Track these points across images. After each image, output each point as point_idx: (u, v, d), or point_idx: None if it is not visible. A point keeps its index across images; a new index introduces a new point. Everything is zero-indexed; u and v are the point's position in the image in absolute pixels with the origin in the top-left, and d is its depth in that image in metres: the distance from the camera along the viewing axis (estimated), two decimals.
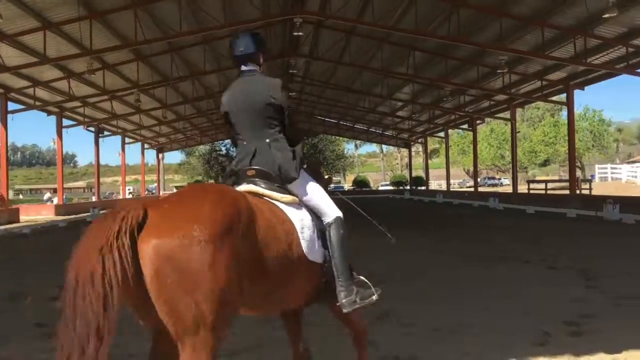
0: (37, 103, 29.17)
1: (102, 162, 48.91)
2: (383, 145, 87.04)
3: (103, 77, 26.60)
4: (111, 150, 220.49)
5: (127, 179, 54.66)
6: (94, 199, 43.22)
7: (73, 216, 28.29)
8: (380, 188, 68.43)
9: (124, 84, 29.08)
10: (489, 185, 69.10)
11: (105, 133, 40.41)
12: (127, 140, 46.31)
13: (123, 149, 45.67)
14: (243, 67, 3.52)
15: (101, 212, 28.58)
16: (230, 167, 3.46)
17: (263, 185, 3.21)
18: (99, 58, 24.54)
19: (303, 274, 3.08)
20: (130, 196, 56.64)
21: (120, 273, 2.28)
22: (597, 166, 57.13)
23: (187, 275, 2.34)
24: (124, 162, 47.15)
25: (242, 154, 3.36)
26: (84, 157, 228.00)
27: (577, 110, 42.55)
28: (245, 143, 3.38)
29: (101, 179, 45.67)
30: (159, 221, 2.43)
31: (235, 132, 3.49)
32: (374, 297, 3.40)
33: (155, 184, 60.86)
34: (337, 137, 65.66)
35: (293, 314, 3.62)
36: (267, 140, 3.32)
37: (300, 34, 22.05)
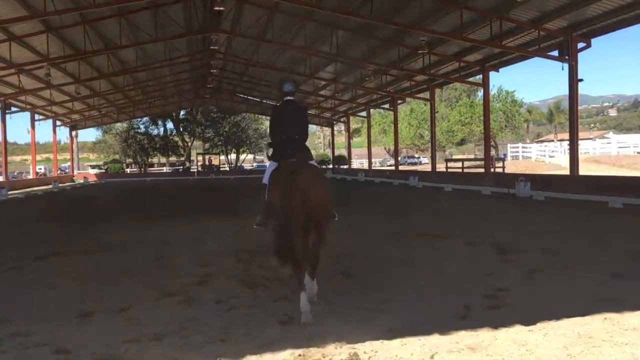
0: None
1: (10, 140, 46.10)
2: None
3: (9, 50, 24.78)
4: (20, 127, 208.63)
5: (38, 157, 51.94)
6: (1, 178, 40.71)
7: None
8: None
9: (32, 57, 27.26)
10: (409, 164, 70.89)
11: (13, 109, 37.87)
12: (37, 117, 43.75)
13: (33, 126, 43.10)
14: (287, 98, 6.07)
15: (7, 192, 26.97)
16: (283, 156, 5.80)
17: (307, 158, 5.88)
18: (4, 29, 22.91)
19: (326, 198, 5.57)
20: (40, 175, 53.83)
21: (300, 194, 5.11)
22: (509, 145, 59.80)
23: (327, 193, 5.52)
24: (33, 140, 44.56)
25: (290, 148, 5.79)
26: None
27: (492, 91, 44.21)
28: (284, 137, 5.92)
29: (9, 158, 43.06)
30: (311, 173, 5.47)
31: (281, 129, 5.98)
32: (335, 218, 6.01)
33: (69, 163, 58.05)
34: (260, 116, 65.03)
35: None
36: (297, 137, 5.93)
37: (221, 9, 21.49)
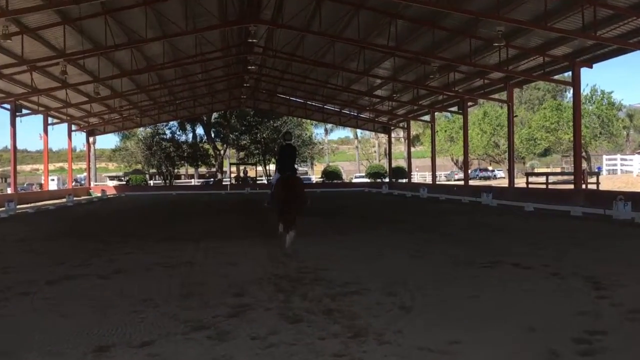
0: None
1: (20, 146, 47.86)
2: (358, 130, 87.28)
3: (22, 44, 25.81)
4: (31, 132, 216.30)
5: (51, 167, 53.80)
6: (9, 190, 42.23)
7: None
8: (355, 180, 68.73)
9: (47, 52, 28.37)
10: (480, 178, 70.15)
11: (24, 111, 39.42)
12: (50, 120, 45.39)
13: (46, 131, 44.77)
14: (287, 142, 14.40)
15: (16, 206, 27.90)
16: (283, 172, 13.60)
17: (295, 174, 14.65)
18: (16, 20, 23.90)
19: (304, 193, 13.77)
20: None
21: (286, 187, 13.40)
22: (604, 157, 58.30)
23: (303, 189, 13.95)
24: (46, 147, 46.24)
25: (287, 168, 13.63)
26: None
27: (583, 91, 43.20)
28: (287, 166, 13.74)
29: (18, 167, 44.69)
30: (296, 179, 14.31)
31: (283, 161, 13.80)
32: (308, 202, 14.01)
33: (85, 174, 59.81)
34: (304, 120, 65.58)
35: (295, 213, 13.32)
36: (290, 163, 13.94)
37: None
